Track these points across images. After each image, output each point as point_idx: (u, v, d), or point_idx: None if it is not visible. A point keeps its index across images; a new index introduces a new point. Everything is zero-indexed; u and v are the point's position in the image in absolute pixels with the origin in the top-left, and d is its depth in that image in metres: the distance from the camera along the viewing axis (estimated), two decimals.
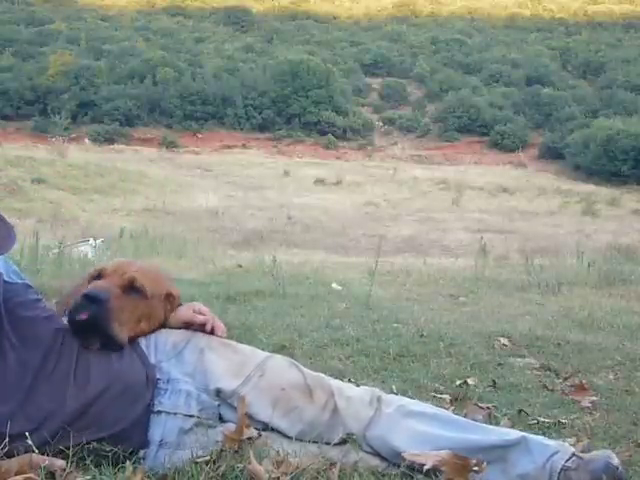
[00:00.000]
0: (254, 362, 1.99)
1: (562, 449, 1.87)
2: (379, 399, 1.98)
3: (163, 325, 2.07)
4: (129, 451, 1.85)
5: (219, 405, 1.94)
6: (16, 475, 1.64)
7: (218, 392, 1.94)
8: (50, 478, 1.69)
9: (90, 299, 1.92)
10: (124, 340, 1.96)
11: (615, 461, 1.84)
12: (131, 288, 2.01)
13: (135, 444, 1.87)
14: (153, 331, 2.03)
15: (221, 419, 1.95)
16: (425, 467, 1.81)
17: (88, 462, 1.77)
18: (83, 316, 1.91)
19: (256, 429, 1.90)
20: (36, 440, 1.76)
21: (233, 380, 1.94)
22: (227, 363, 1.98)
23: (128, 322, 1.97)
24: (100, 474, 1.72)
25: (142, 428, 1.88)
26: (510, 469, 1.86)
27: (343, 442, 1.93)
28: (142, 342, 2.02)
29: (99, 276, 2.04)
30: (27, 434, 1.75)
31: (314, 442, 1.92)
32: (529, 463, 1.85)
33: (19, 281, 2.07)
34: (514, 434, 1.95)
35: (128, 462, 1.77)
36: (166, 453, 1.86)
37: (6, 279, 2.01)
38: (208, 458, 1.80)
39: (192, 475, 1.75)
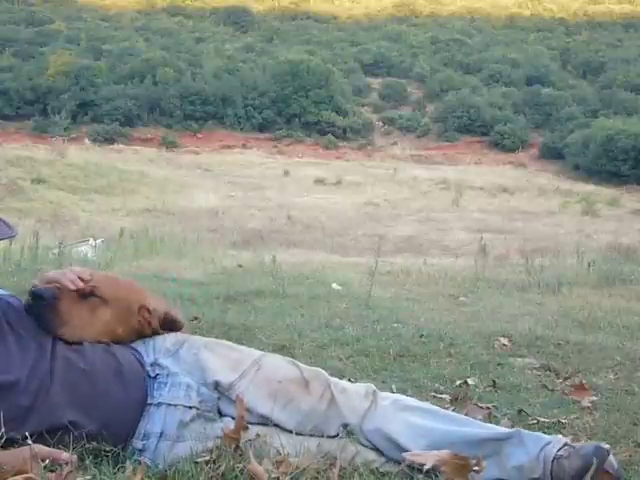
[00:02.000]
0: (251, 358, 2.03)
1: (555, 440, 1.90)
2: (374, 393, 2.01)
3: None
4: (122, 439, 1.86)
5: (219, 398, 1.97)
6: (16, 474, 1.63)
7: (216, 385, 1.97)
8: (51, 473, 1.68)
9: (35, 297, 1.98)
10: (76, 340, 1.99)
11: (606, 445, 1.86)
12: (88, 294, 2.04)
13: (127, 431, 1.88)
14: (132, 341, 2.06)
15: (220, 413, 1.97)
16: (425, 467, 1.82)
17: (88, 462, 1.77)
18: (29, 313, 1.98)
19: (255, 423, 1.91)
20: (32, 421, 1.77)
21: (230, 374, 1.97)
22: (224, 360, 2.01)
23: (85, 325, 2.00)
24: (100, 474, 1.72)
25: (137, 415, 1.89)
26: (505, 462, 1.87)
27: (341, 437, 1.94)
28: (138, 343, 2.07)
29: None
30: (28, 429, 1.75)
31: (313, 437, 1.93)
32: (523, 455, 1.87)
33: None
34: (508, 428, 1.99)
35: (128, 462, 1.77)
36: (166, 445, 1.87)
37: None
38: (208, 458, 1.80)
39: (192, 475, 1.75)
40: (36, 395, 1.82)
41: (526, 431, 1.96)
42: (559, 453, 1.84)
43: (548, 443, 1.87)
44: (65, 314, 1.98)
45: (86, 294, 2.03)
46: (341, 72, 57.32)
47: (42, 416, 1.80)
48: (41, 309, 1.96)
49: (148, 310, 2.12)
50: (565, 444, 1.87)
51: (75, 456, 1.73)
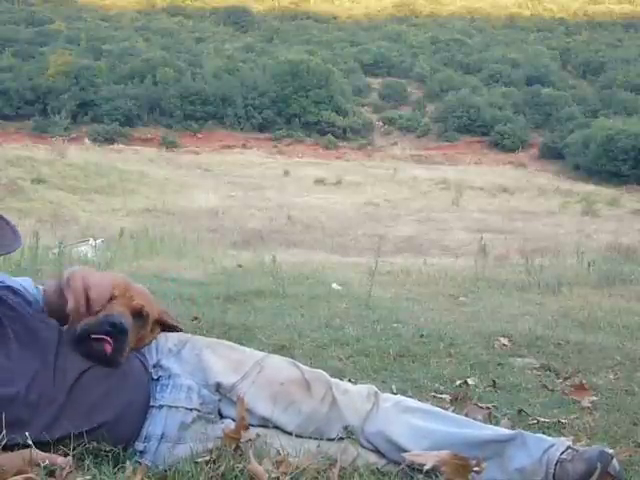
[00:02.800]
0: (253, 359, 2.02)
1: (558, 442, 1.88)
2: (376, 394, 2.01)
3: None
4: (125, 442, 1.86)
5: (219, 400, 1.96)
6: (16, 475, 1.63)
7: (218, 386, 1.97)
8: (50, 476, 1.68)
9: (117, 329, 1.87)
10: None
11: (610, 450, 1.85)
12: (138, 315, 2.00)
13: (131, 434, 1.88)
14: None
15: (221, 415, 1.97)
16: (425, 467, 1.81)
17: (88, 462, 1.77)
18: (108, 348, 1.86)
19: (255, 425, 1.91)
20: (33, 428, 1.76)
21: (232, 375, 1.97)
22: (225, 361, 2.01)
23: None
24: (100, 474, 1.72)
25: (140, 417, 1.89)
26: (507, 464, 1.86)
27: (341, 439, 1.94)
28: None
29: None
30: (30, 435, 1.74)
31: (313, 439, 1.93)
32: (526, 457, 1.86)
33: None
34: (510, 430, 1.98)
35: (128, 462, 1.77)
36: (167, 447, 1.86)
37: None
38: (208, 458, 1.80)
39: (192, 475, 1.75)
40: (37, 405, 1.81)
41: (528, 433, 1.94)
42: (562, 456, 1.83)
43: (551, 446, 1.86)
44: (131, 338, 1.95)
45: (136, 314, 1.98)
46: (341, 72, 57.32)
47: (44, 424, 1.80)
48: (123, 340, 1.89)
49: (161, 321, 2.10)
50: (568, 447, 1.85)
51: (70, 458, 1.73)
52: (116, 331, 1.86)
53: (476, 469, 1.78)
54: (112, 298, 1.97)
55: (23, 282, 2.17)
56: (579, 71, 64.34)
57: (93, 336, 1.86)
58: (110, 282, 1.97)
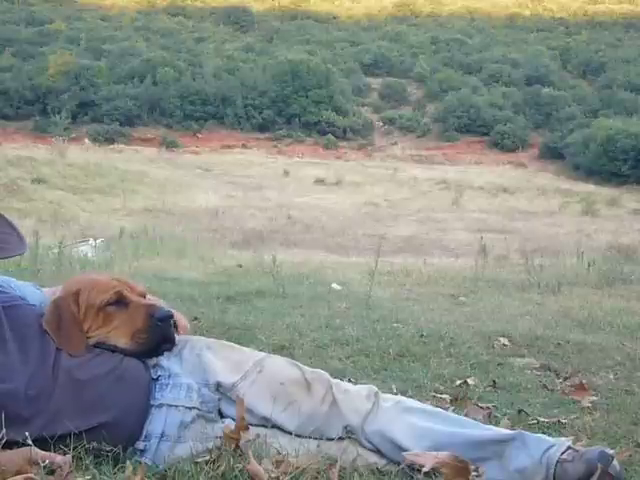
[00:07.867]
0: (253, 359, 2.03)
1: (558, 443, 1.89)
2: (376, 394, 2.01)
3: None
4: (125, 442, 1.86)
5: (219, 399, 1.97)
6: (16, 474, 1.63)
7: (218, 386, 1.98)
8: (50, 476, 1.68)
9: (170, 317, 2.03)
10: None
11: (610, 450, 1.85)
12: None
13: (131, 434, 1.88)
14: None
15: (221, 414, 1.97)
16: (424, 469, 1.81)
17: (88, 462, 1.77)
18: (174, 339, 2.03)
19: (256, 425, 1.91)
20: (33, 426, 1.77)
21: (232, 375, 1.98)
22: (226, 361, 2.02)
23: None
24: (100, 474, 1.72)
25: (141, 418, 1.89)
26: (507, 464, 1.86)
27: (342, 439, 1.94)
28: None
29: (122, 300, 2.04)
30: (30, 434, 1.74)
31: (313, 439, 1.93)
32: (526, 457, 1.86)
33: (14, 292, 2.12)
34: (511, 431, 1.99)
35: (128, 462, 1.77)
36: (167, 446, 1.87)
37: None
38: (208, 458, 1.80)
39: (192, 475, 1.75)
40: (36, 402, 1.81)
41: (529, 433, 1.94)
42: (562, 457, 1.83)
43: (551, 446, 1.86)
44: None
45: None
46: (341, 72, 57.34)
47: (44, 422, 1.80)
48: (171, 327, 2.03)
49: None
50: (568, 447, 1.85)
51: (69, 456, 1.73)
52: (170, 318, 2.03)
53: (475, 474, 1.77)
54: (124, 299, 2.04)
55: (24, 288, 2.18)
56: (579, 71, 64.35)
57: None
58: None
